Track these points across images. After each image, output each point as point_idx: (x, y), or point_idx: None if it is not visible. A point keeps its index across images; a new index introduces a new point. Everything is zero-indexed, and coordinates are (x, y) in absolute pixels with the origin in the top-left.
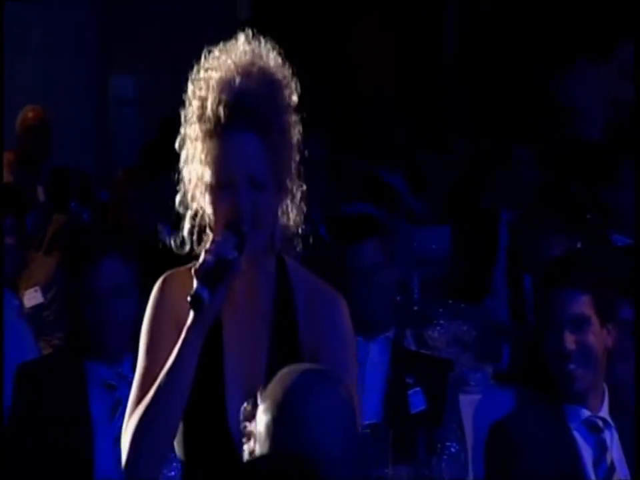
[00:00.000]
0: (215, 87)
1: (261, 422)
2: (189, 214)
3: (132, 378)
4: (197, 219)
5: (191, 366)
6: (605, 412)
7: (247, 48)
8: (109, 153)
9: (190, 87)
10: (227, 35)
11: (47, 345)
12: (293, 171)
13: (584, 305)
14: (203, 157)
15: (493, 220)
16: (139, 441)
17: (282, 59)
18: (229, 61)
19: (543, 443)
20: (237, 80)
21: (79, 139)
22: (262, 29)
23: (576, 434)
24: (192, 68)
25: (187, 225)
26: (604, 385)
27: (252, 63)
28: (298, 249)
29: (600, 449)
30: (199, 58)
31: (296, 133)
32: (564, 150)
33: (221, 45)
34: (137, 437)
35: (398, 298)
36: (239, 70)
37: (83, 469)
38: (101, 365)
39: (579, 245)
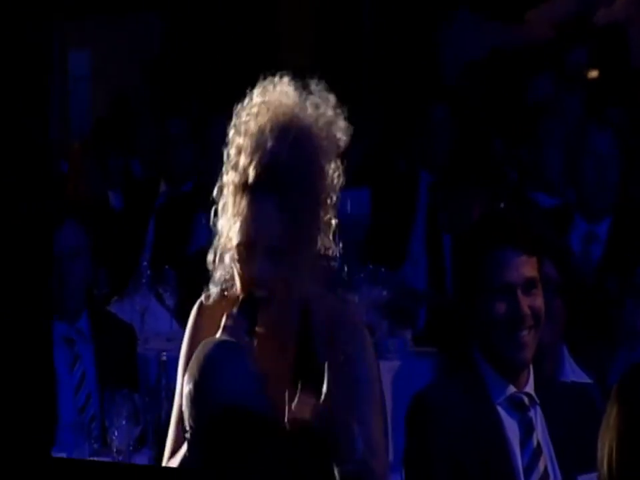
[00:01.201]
0: (250, 142)
1: (189, 398)
2: (219, 272)
3: (87, 333)
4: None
5: None
6: (530, 387)
7: (286, 94)
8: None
9: (231, 129)
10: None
11: None
12: (320, 228)
13: (533, 268)
14: (233, 214)
15: (412, 182)
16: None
17: (331, 102)
18: (267, 110)
19: (465, 418)
20: (272, 143)
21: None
22: None
23: (501, 411)
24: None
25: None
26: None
27: (290, 122)
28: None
29: (526, 428)
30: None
31: (329, 184)
32: (481, 107)
33: (263, 84)
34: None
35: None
36: (274, 129)
37: (45, 414)
38: (62, 322)
39: (501, 205)
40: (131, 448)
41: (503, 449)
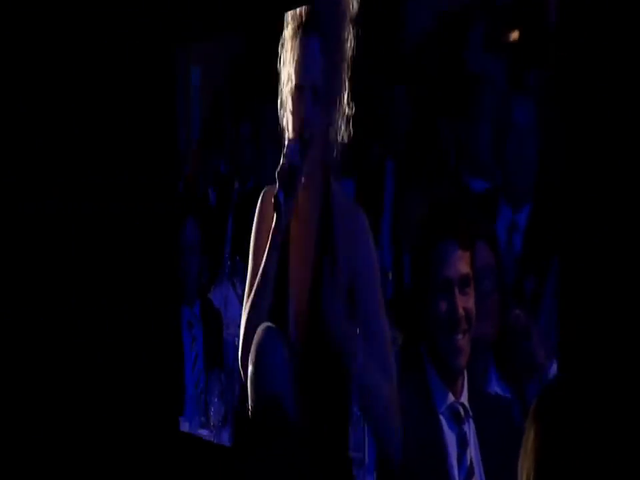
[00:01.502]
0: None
1: (250, 379)
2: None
3: (200, 318)
4: None
5: (272, 270)
6: (465, 397)
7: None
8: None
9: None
10: None
11: None
12: (344, 86)
13: (467, 263)
14: (288, 59)
15: (380, 171)
16: (247, 319)
17: None
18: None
19: (411, 426)
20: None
21: None
22: None
23: (443, 421)
24: None
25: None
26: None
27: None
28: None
29: (461, 444)
30: None
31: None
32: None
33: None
34: (245, 317)
35: None
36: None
37: (176, 388)
38: (185, 307)
39: (442, 194)
40: (220, 424)
41: (444, 462)
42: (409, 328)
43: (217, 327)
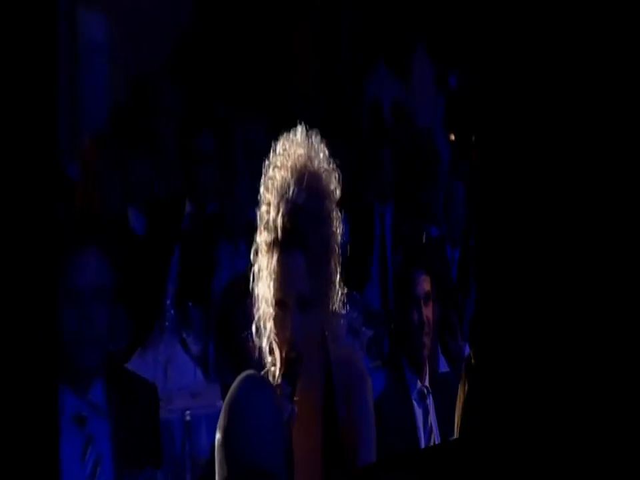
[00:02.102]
0: (278, 197)
1: (217, 449)
2: (264, 338)
3: (103, 406)
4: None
5: None
6: (427, 381)
7: (302, 149)
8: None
9: (261, 186)
10: None
11: None
12: (335, 278)
13: (429, 284)
14: (265, 272)
15: (369, 213)
16: None
17: (326, 154)
18: (289, 163)
19: (396, 416)
20: (294, 196)
21: None
22: None
23: (414, 403)
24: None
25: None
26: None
27: (304, 167)
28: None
29: (425, 413)
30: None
31: (336, 233)
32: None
33: (285, 137)
34: None
35: None
36: (295, 181)
37: None
38: (70, 394)
39: (424, 235)
40: None
41: (413, 432)
42: (394, 339)
43: (145, 408)
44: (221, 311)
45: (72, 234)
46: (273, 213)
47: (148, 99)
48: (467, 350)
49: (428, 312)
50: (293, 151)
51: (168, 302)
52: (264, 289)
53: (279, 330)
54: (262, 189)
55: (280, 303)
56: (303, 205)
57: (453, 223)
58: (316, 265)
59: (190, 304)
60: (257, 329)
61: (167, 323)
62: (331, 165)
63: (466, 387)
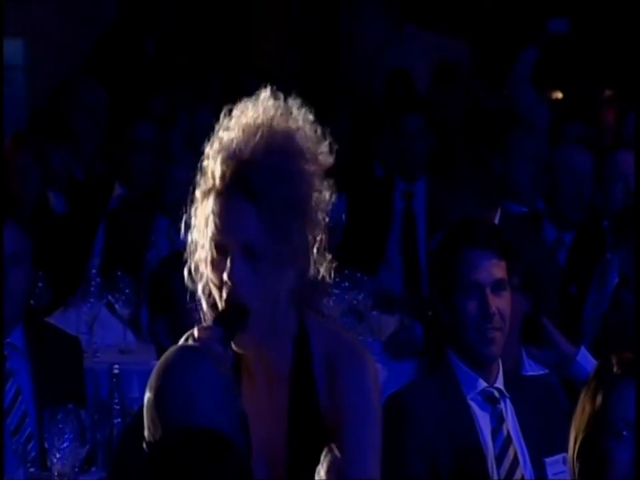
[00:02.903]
0: (221, 150)
1: (147, 408)
2: (201, 282)
3: (23, 348)
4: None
5: None
6: (500, 383)
7: (263, 108)
8: None
9: (206, 147)
10: None
11: None
12: (309, 240)
13: (502, 270)
14: (202, 216)
15: (387, 188)
16: None
17: (310, 120)
18: (242, 122)
19: (439, 414)
20: (241, 147)
21: None
22: None
23: (473, 405)
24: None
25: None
26: (498, 356)
27: (260, 128)
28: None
29: (497, 419)
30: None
31: (316, 199)
32: (455, 117)
33: (244, 101)
34: None
35: None
36: (246, 136)
37: None
38: None
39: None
40: (77, 469)
41: (476, 440)
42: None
43: (67, 354)
44: (159, 277)
45: None
46: (211, 162)
47: (66, 98)
48: (583, 353)
49: (500, 303)
50: (250, 112)
51: (94, 271)
52: (198, 234)
53: (217, 273)
54: (207, 149)
55: (219, 247)
56: (254, 158)
57: (566, 202)
58: (272, 219)
59: (119, 273)
60: (190, 272)
61: (91, 288)
62: (314, 130)
63: (598, 400)
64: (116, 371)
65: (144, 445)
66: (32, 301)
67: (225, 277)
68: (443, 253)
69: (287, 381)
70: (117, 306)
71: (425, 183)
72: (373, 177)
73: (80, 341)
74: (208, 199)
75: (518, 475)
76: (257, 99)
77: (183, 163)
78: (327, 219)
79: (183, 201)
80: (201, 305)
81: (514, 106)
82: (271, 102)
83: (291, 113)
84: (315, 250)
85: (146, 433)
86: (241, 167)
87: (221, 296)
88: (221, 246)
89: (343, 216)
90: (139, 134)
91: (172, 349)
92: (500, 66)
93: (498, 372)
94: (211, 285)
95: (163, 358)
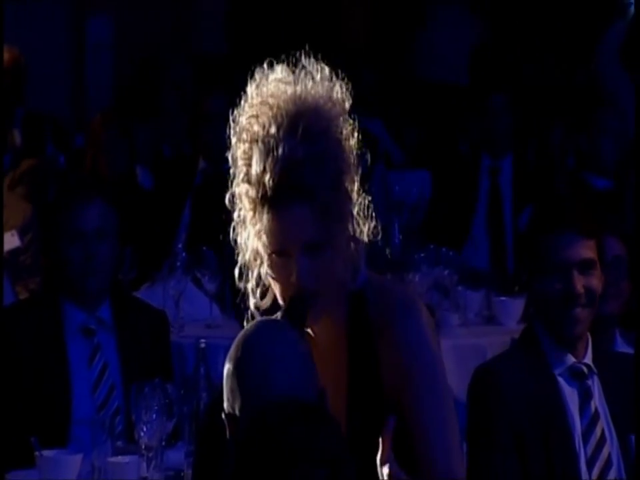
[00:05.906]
0: (259, 148)
1: (227, 378)
2: (251, 281)
3: (110, 322)
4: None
5: None
6: (588, 359)
7: (287, 89)
8: (84, 98)
9: (233, 135)
10: None
11: (23, 290)
12: (350, 222)
13: (590, 250)
14: (255, 227)
15: (473, 165)
16: None
17: (329, 77)
18: (271, 112)
19: (526, 389)
20: (281, 145)
21: (55, 83)
22: None
23: (560, 380)
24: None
25: (252, 288)
26: (587, 332)
27: (295, 113)
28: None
29: (584, 395)
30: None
31: (348, 159)
32: (539, 95)
33: (256, 80)
34: None
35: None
36: (282, 129)
37: (60, 415)
38: (79, 309)
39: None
40: (164, 443)
41: (563, 415)
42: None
43: (154, 329)
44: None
45: (77, 189)
46: (256, 169)
47: (153, 75)
48: None
49: (588, 282)
50: (273, 93)
51: (180, 246)
52: (251, 241)
53: (281, 276)
54: (234, 140)
55: (280, 253)
56: (304, 157)
57: None
58: (325, 209)
59: (204, 248)
60: (240, 274)
61: (177, 263)
62: (330, 83)
63: None
64: (202, 345)
65: (222, 416)
66: (119, 276)
67: (292, 278)
68: (529, 232)
69: (346, 348)
70: (203, 281)
71: (512, 158)
72: (457, 153)
73: (166, 316)
74: (261, 208)
75: (605, 452)
76: (271, 74)
77: None
78: (358, 170)
79: None
80: (246, 304)
81: (600, 82)
82: (286, 74)
83: (306, 76)
84: (359, 214)
85: (225, 405)
86: (289, 169)
87: (284, 293)
88: (282, 252)
89: (427, 193)
90: (212, 106)
91: (252, 322)
92: (587, 40)
93: (587, 348)
94: (273, 285)
95: (242, 331)
